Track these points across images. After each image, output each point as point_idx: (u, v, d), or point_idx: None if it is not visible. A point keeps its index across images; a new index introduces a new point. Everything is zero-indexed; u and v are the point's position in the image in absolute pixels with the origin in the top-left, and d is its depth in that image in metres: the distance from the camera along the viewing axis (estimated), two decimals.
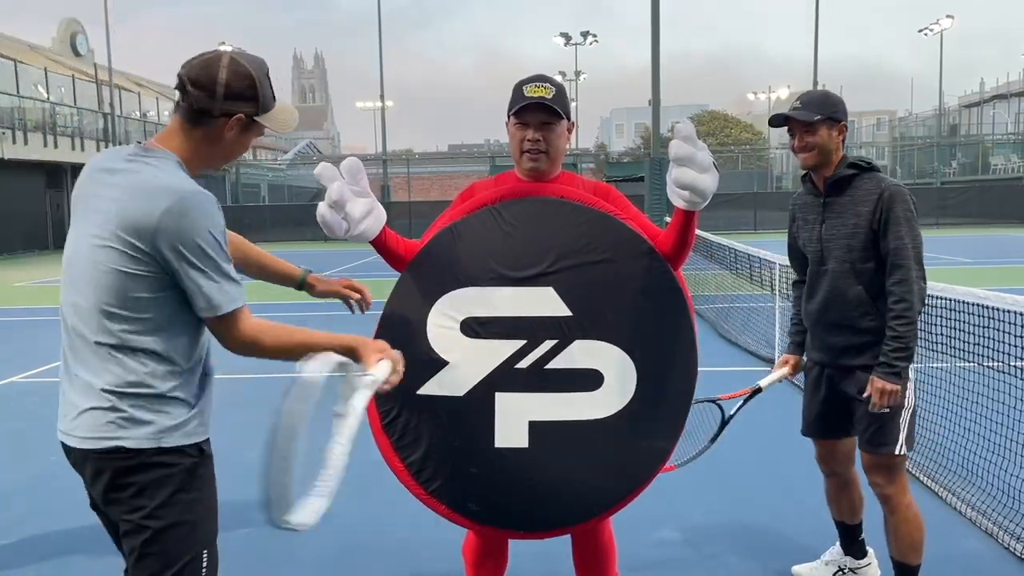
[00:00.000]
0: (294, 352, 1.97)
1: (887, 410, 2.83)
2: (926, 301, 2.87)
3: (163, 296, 1.87)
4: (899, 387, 2.78)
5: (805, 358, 3.24)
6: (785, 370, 3.31)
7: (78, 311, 1.88)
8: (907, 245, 2.79)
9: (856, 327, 2.92)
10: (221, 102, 1.89)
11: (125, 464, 1.87)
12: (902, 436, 2.89)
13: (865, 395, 2.84)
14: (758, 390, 3.20)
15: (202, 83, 1.88)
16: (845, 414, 3.05)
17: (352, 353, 2.00)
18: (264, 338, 1.94)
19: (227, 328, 1.90)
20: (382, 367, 2.01)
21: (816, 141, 2.91)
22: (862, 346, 2.91)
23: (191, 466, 1.94)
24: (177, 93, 1.93)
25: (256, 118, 1.95)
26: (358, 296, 2.51)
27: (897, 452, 2.89)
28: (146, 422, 1.87)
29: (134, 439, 1.87)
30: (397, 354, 2.06)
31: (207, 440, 2.02)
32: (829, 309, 2.98)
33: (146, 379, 1.87)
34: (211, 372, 2.05)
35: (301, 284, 2.47)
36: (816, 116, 2.89)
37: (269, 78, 1.99)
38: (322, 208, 2.37)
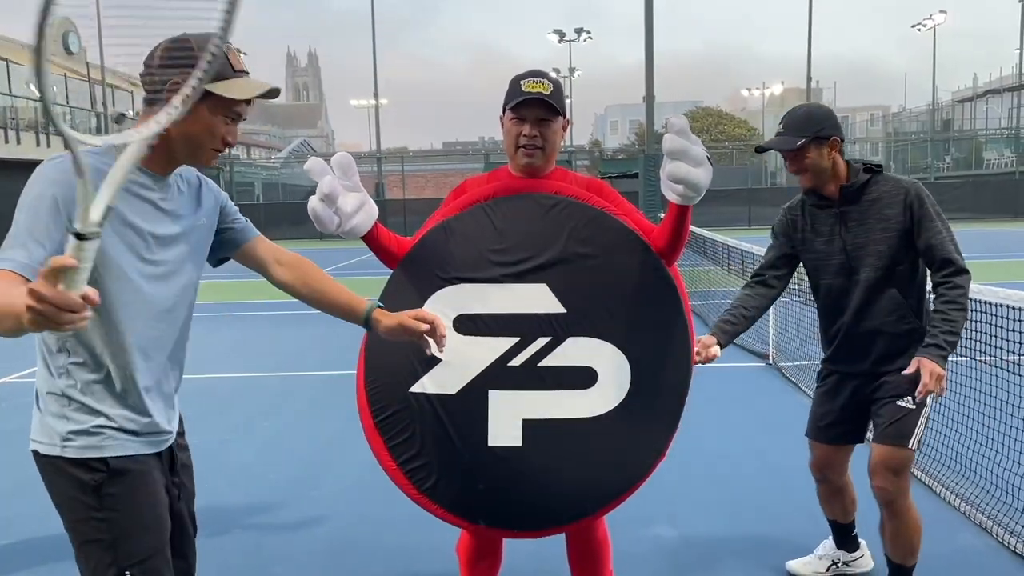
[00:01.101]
0: None
1: (909, 401, 2.79)
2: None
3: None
4: (946, 373, 2.72)
5: (821, 364, 3.18)
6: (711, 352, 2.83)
7: None
8: (945, 237, 2.79)
9: (895, 332, 2.88)
10: (159, 73, 1.77)
11: (41, 469, 1.83)
12: (919, 431, 2.85)
13: (910, 370, 2.70)
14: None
15: (145, 62, 1.80)
16: (860, 421, 3.04)
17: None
18: None
19: None
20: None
21: (807, 164, 2.85)
22: (900, 350, 2.87)
23: (95, 482, 1.80)
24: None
25: (206, 87, 1.71)
26: (427, 328, 2.15)
27: (911, 446, 2.84)
28: (48, 427, 1.80)
29: (44, 444, 1.81)
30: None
31: (127, 457, 1.85)
32: (866, 318, 2.91)
33: (46, 379, 1.80)
34: (142, 377, 1.87)
35: (367, 321, 2.18)
36: (800, 141, 2.82)
37: (221, 48, 1.86)
38: (313, 202, 2.35)
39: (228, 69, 1.81)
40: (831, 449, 3.14)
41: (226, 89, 1.79)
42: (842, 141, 2.90)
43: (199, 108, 1.73)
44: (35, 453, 1.84)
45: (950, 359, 2.80)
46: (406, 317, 2.13)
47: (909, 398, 2.82)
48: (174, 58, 1.74)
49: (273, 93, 1.86)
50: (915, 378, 2.72)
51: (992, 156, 42.69)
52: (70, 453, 1.79)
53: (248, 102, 1.85)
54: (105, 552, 1.81)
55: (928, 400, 2.85)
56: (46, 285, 1.24)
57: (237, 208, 2.14)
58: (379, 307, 2.19)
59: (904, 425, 2.84)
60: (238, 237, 2.13)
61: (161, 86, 1.74)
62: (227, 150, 1.93)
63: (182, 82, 1.51)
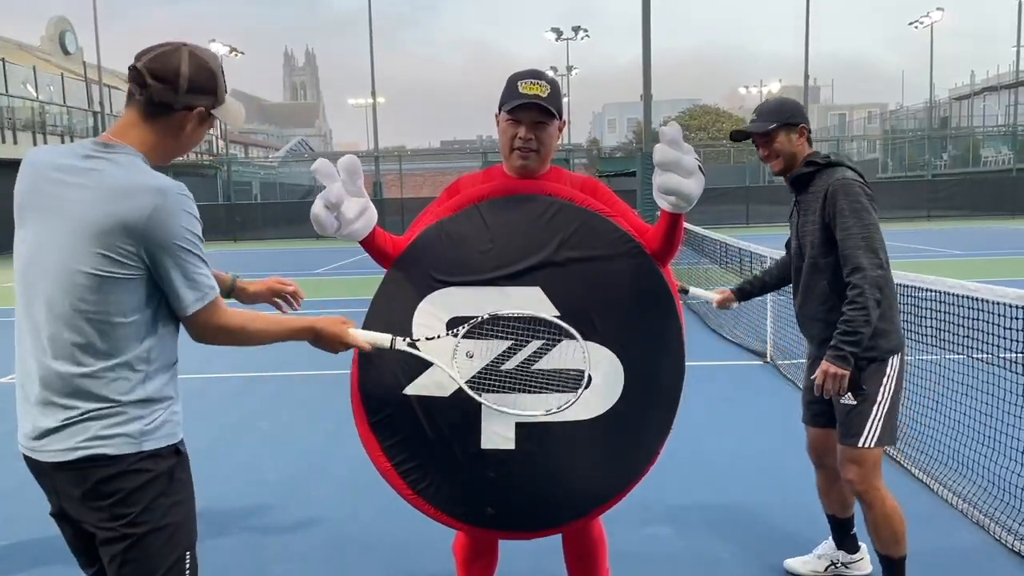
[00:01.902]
0: (276, 336, 2.03)
1: (848, 399, 2.88)
2: (885, 289, 2.85)
3: (146, 298, 1.84)
4: (845, 372, 2.80)
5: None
6: (715, 295, 3.51)
7: (50, 320, 1.82)
8: (855, 235, 2.82)
9: (825, 320, 2.97)
10: (184, 95, 1.86)
11: (106, 472, 1.83)
12: (870, 430, 2.89)
13: (812, 377, 2.88)
14: (685, 291, 3.29)
15: (164, 76, 1.84)
16: (832, 405, 3.06)
17: (314, 332, 2.14)
18: (249, 324, 1.97)
19: (210, 317, 1.89)
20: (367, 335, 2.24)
21: (776, 148, 3.02)
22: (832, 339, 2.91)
23: (169, 469, 1.91)
24: (131, 84, 1.89)
25: (212, 111, 1.94)
26: (290, 289, 2.48)
27: (861, 445, 2.89)
28: (125, 427, 1.84)
29: (114, 446, 1.83)
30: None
31: (182, 441, 1.98)
32: (805, 303, 3.08)
33: (124, 384, 1.84)
34: (177, 372, 2.03)
35: (230, 291, 2.40)
36: (771, 125, 3.00)
37: (223, 70, 1.98)
38: (317, 207, 2.33)
39: (224, 92, 1.97)
40: (821, 432, 3.19)
41: (226, 115, 2.01)
42: (809, 131, 3.07)
43: (204, 126, 1.96)
44: (100, 456, 1.83)
45: (948, 356, 2.81)
46: (269, 284, 2.45)
47: (849, 394, 2.89)
48: (201, 86, 1.90)
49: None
50: (853, 376, 2.85)
51: (989, 154, 42.69)
52: (149, 447, 1.87)
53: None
54: (171, 538, 1.90)
55: (883, 395, 2.90)
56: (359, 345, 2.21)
57: None
58: (238, 278, 2.42)
59: (851, 422, 2.92)
60: None
61: (182, 107, 1.89)
62: (218, 137, 2.10)
63: (206, 109, 1.92)
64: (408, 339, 2.29)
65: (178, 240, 1.81)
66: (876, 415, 2.89)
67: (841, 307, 2.87)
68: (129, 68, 1.89)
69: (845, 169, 2.95)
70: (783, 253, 3.43)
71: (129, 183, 1.80)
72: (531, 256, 2.43)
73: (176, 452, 1.94)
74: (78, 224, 1.79)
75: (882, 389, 2.90)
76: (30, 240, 1.87)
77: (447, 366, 2.32)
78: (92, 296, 1.80)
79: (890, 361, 2.91)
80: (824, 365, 2.83)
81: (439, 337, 2.35)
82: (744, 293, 3.53)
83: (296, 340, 2.12)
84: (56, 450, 1.84)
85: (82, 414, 1.83)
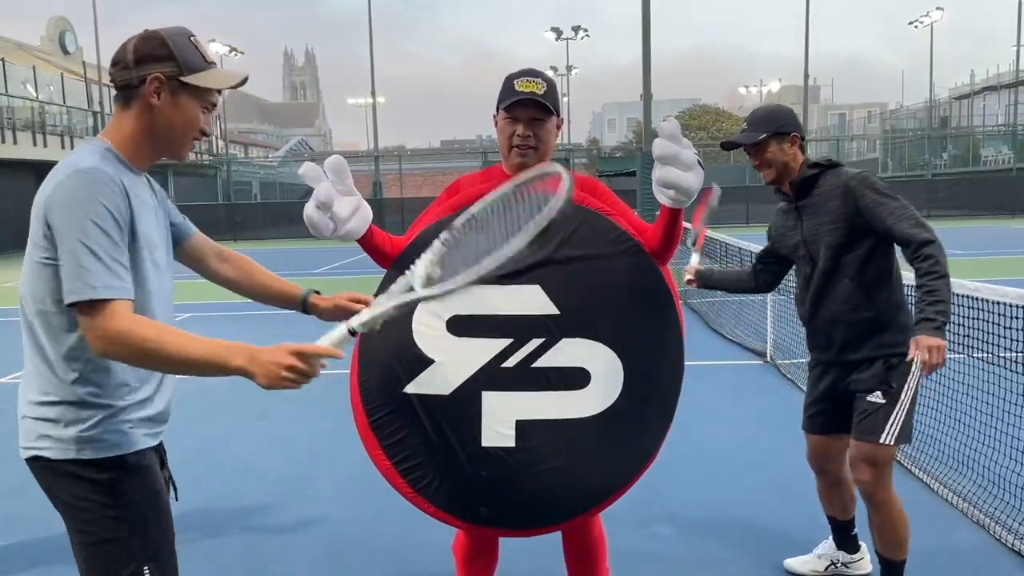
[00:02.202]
0: (183, 362, 1.69)
1: (877, 396, 2.85)
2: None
3: None
4: (944, 342, 2.67)
5: (808, 356, 3.25)
6: (691, 269, 3.54)
7: (21, 313, 1.85)
8: (901, 215, 2.78)
9: (850, 321, 2.93)
10: (134, 69, 1.81)
11: (47, 475, 1.83)
12: (892, 427, 2.87)
13: (910, 357, 2.71)
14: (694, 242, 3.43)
15: (116, 59, 1.84)
16: (844, 411, 3.05)
17: (244, 372, 1.68)
18: (135, 337, 1.66)
19: (95, 320, 1.67)
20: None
21: (768, 158, 3.00)
22: (859, 338, 2.91)
23: (110, 481, 1.82)
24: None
25: (184, 79, 1.83)
26: (362, 308, 2.23)
27: (882, 441, 2.87)
28: (61, 431, 1.80)
29: (53, 449, 1.80)
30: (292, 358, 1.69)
31: (139, 452, 1.88)
32: (821, 307, 3.01)
33: (61, 385, 1.80)
34: (155, 377, 1.92)
35: (304, 305, 2.25)
36: (761, 135, 2.97)
37: (192, 42, 1.87)
38: (309, 209, 2.34)
39: (200, 61, 1.87)
40: (823, 440, 3.17)
41: (205, 80, 1.86)
42: (803, 139, 3.04)
43: (181, 99, 1.84)
44: (37, 459, 1.83)
45: (949, 356, 2.79)
46: (341, 299, 2.20)
47: (878, 392, 2.86)
48: (148, 54, 1.82)
49: (243, 81, 1.94)
50: (882, 374, 2.83)
51: (989, 153, 42.73)
52: (86, 455, 1.80)
53: (220, 92, 1.93)
54: (120, 550, 1.82)
55: (906, 392, 2.87)
56: (310, 366, 1.67)
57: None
58: (315, 292, 2.26)
59: (874, 420, 2.89)
60: (181, 232, 2.13)
61: (139, 82, 1.81)
62: (217, 137, 2.00)
63: (164, 75, 1.78)
64: (358, 320, 1.82)
65: (72, 224, 1.68)
66: (898, 412, 2.87)
67: (865, 305, 2.86)
68: None
69: (847, 168, 2.96)
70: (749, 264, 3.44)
71: (58, 167, 1.78)
72: (531, 254, 2.43)
73: (121, 464, 1.83)
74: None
75: (907, 386, 2.88)
76: None
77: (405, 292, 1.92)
78: (29, 286, 1.79)
79: (915, 361, 2.89)
80: (926, 340, 2.63)
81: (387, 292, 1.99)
82: (707, 279, 3.58)
83: (217, 374, 1.71)
84: (21, 445, 1.86)
85: (29, 409, 1.84)
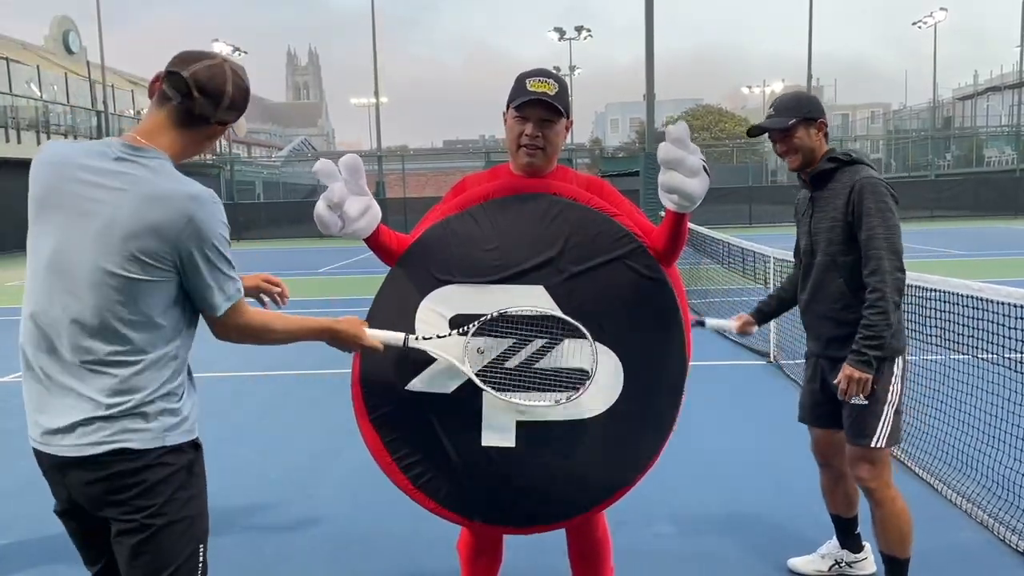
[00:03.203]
0: (297, 335, 2.13)
1: (860, 400, 2.85)
2: (904, 291, 2.88)
3: (174, 300, 1.90)
4: (868, 376, 2.78)
5: (805, 349, 3.26)
6: (733, 324, 3.40)
7: (76, 320, 1.84)
8: (879, 235, 2.80)
9: (838, 319, 2.95)
10: (222, 112, 1.95)
11: (130, 465, 1.87)
12: (881, 429, 2.89)
13: (835, 382, 2.86)
14: (701, 323, 3.27)
15: (211, 92, 1.91)
16: (837, 405, 3.06)
17: (333, 333, 2.24)
18: (271, 324, 2.06)
19: (236, 318, 1.97)
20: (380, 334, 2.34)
21: (796, 144, 2.97)
22: (845, 338, 2.91)
23: (189, 463, 1.97)
24: (168, 89, 1.90)
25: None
26: (278, 290, 2.47)
27: (873, 445, 2.89)
28: (150, 423, 1.89)
29: (140, 440, 1.87)
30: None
31: (199, 436, 2.04)
32: (815, 300, 3.04)
33: (150, 382, 1.88)
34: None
35: None
36: (791, 120, 2.95)
37: None
38: (320, 207, 2.35)
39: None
40: (825, 432, 3.18)
41: (237, 124, 2.18)
42: (826, 125, 3.03)
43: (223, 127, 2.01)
44: (122, 452, 1.86)
45: (953, 356, 2.81)
46: (256, 280, 2.43)
47: (860, 395, 2.86)
48: (238, 107, 1.98)
49: None
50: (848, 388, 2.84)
51: (993, 154, 42.67)
52: (171, 441, 1.92)
53: None
54: (188, 530, 1.95)
55: (890, 395, 2.89)
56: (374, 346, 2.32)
57: None
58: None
59: (861, 422, 2.91)
60: None
61: (216, 122, 1.96)
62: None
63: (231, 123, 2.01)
64: (421, 336, 2.35)
65: (209, 247, 1.87)
66: (886, 415, 2.89)
67: (855, 306, 2.86)
68: (169, 73, 1.90)
69: (867, 167, 2.94)
70: (790, 258, 3.40)
71: (164, 189, 1.85)
72: (535, 255, 2.43)
73: (195, 447, 2.01)
74: (110, 226, 1.82)
75: (891, 388, 2.90)
76: (54, 238, 1.88)
77: (460, 363, 2.37)
78: (120, 297, 1.83)
79: (897, 361, 2.91)
80: (847, 370, 2.80)
81: (450, 335, 2.38)
82: (763, 315, 3.42)
83: (315, 340, 2.21)
84: (78, 444, 1.85)
85: (107, 409, 1.85)
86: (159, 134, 1.92)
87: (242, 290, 1.99)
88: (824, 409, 3.13)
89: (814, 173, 3.00)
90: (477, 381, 2.37)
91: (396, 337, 2.33)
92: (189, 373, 2.03)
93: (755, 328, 3.40)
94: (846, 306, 2.92)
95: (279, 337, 2.09)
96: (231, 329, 1.99)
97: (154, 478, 1.89)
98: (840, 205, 2.90)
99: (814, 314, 3.07)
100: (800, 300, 3.17)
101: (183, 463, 1.95)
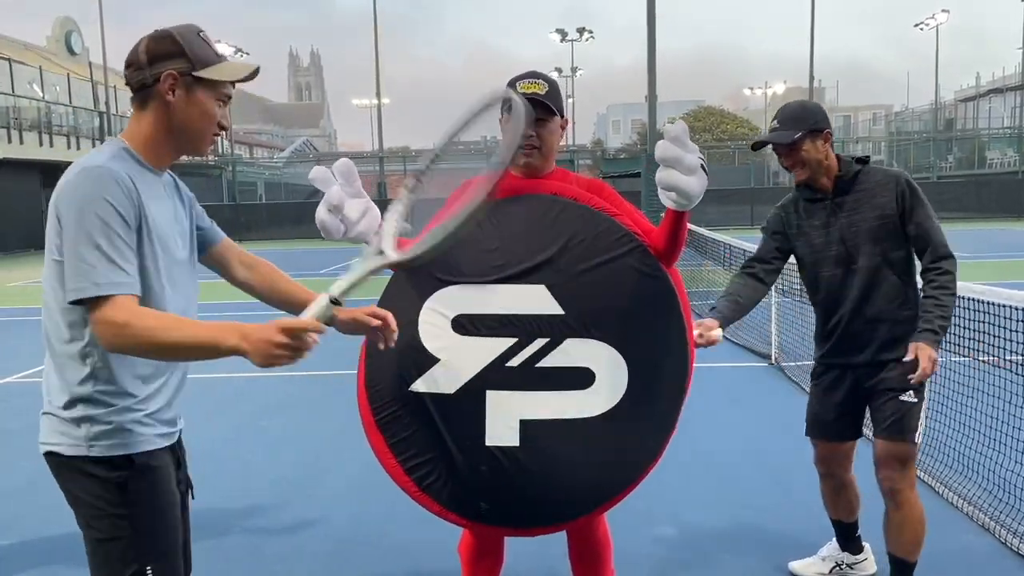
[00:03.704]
0: (170, 351, 1.75)
1: (910, 395, 2.83)
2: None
3: None
4: (937, 357, 2.73)
5: (815, 363, 3.19)
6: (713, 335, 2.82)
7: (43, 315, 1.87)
8: (935, 225, 2.85)
9: (895, 318, 2.91)
10: (148, 69, 1.84)
11: (59, 470, 1.85)
12: (920, 425, 2.90)
13: (909, 357, 2.70)
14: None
15: (129, 61, 1.87)
16: (859, 415, 3.05)
17: (238, 352, 1.74)
18: (137, 327, 1.68)
19: (96, 315, 1.69)
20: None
21: (803, 157, 2.92)
22: (902, 337, 2.86)
23: (120, 479, 1.83)
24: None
25: (197, 73, 1.85)
26: (382, 324, 2.12)
27: (916, 440, 2.89)
28: (73, 427, 1.82)
29: (66, 444, 1.83)
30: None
31: (149, 453, 1.89)
32: (867, 304, 2.92)
33: (72, 382, 1.81)
34: (163, 374, 1.93)
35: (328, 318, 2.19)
36: (796, 134, 2.89)
37: (202, 37, 1.90)
38: (321, 213, 2.36)
39: (211, 55, 1.90)
40: (833, 445, 3.16)
41: (219, 73, 1.88)
42: (832, 135, 2.98)
43: (196, 93, 1.86)
44: (51, 455, 1.85)
45: (953, 359, 2.81)
46: (360, 313, 2.14)
47: (911, 392, 2.84)
48: (160, 52, 1.84)
49: (255, 73, 1.95)
50: (913, 370, 2.72)
51: (995, 156, 42.60)
52: (96, 452, 1.82)
53: (233, 84, 1.94)
54: (125, 550, 1.83)
55: (925, 392, 2.89)
56: (300, 340, 1.69)
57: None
58: (336, 304, 2.16)
59: (908, 419, 2.88)
60: (208, 238, 2.14)
61: (153, 80, 1.84)
62: (223, 137, 2.02)
63: (178, 72, 1.80)
64: (336, 290, 1.86)
65: (76, 221, 1.70)
66: (923, 409, 2.90)
67: (908, 303, 2.89)
68: None
69: (881, 166, 2.98)
70: (792, 260, 3.17)
71: (72, 165, 1.80)
72: (536, 254, 2.44)
73: (129, 462, 1.84)
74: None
75: (926, 385, 2.90)
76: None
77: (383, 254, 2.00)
78: (48, 282, 1.81)
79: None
80: (927, 351, 2.68)
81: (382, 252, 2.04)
82: (727, 320, 3.03)
83: (214, 356, 1.78)
84: (40, 440, 1.88)
85: (45, 405, 1.86)
86: (129, 129, 1.92)
87: (121, 286, 1.70)
88: (845, 423, 3.08)
89: (847, 178, 2.94)
90: (394, 256, 1.97)
91: (320, 303, 1.82)
92: (138, 378, 1.86)
93: (720, 337, 2.86)
94: (903, 303, 2.90)
95: (164, 349, 1.72)
96: (95, 327, 1.71)
97: (78, 488, 1.82)
98: (885, 202, 2.86)
99: (865, 319, 2.93)
100: (831, 320, 3.01)
101: (112, 478, 1.81)
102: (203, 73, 1.85)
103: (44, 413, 1.87)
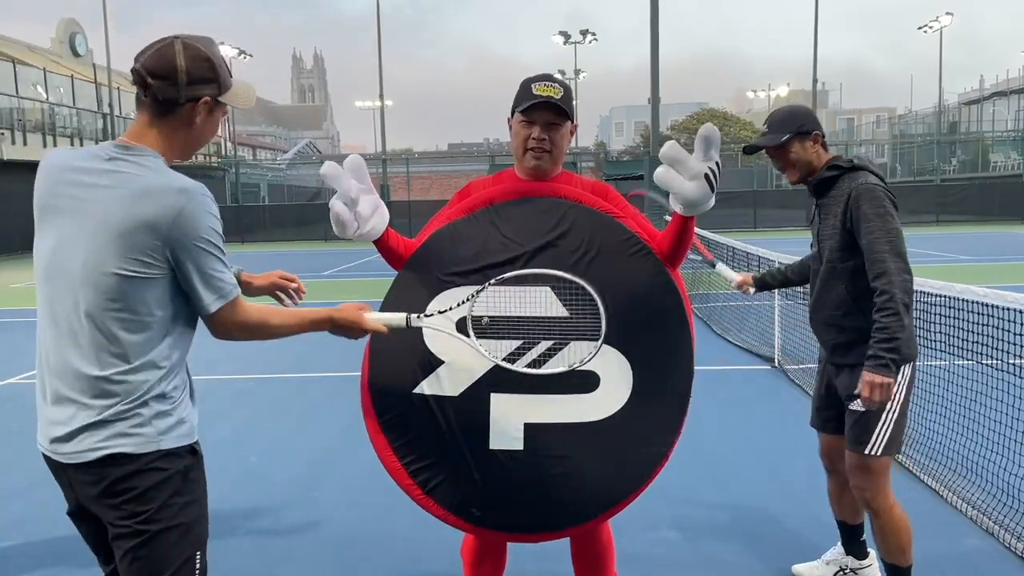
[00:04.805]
0: (296, 328, 2.08)
1: (858, 404, 2.83)
2: (913, 294, 2.85)
3: (169, 297, 1.88)
4: (890, 380, 2.72)
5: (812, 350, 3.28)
6: (736, 277, 3.60)
7: (74, 320, 1.85)
8: (880, 239, 2.77)
9: (840, 325, 2.95)
10: (185, 88, 1.88)
11: (124, 470, 1.86)
12: (878, 437, 2.86)
13: (856, 391, 2.81)
14: (712, 264, 3.48)
15: (162, 73, 1.86)
16: (842, 411, 3.05)
17: (332, 323, 2.17)
18: (269, 319, 2.01)
19: (230, 315, 1.93)
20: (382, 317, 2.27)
21: (792, 159, 2.99)
22: (848, 344, 2.92)
23: (185, 468, 1.94)
24: (136, 87, 1.91)
25: (219, 98, 1.96)
26: (293, 285, 2.49)
27: (868, 452, 2.87)
28: (144, 427, 1.87)
29: (133, 444, 1.86)
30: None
31: (197, 441, 2.01)
32: (819, 306, 3.05)
33: (145, 383, 1.86)
34: (183, 364, 2.04)
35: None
36: (784, 137, 2.96)
37: (224, 58, 1.99)
38: (337, 206, 2.34)
39: (228, 76, 1.98)
40: (833, 438, 3.17)
41: (235, 99, 2.01)
42: (823, 136, 3.03)
43: (215, 115, 1.97)
44: (114, 457, 1.85)
45: (957, 362, 2.79)
46: (274, 278, 2.46)
47: (858, 401, 2.84)
48: (200, 77, 1.91)
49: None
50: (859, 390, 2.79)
51: (999, 158, 42.51)
52: (166, 446, 1.90)
53: None
54: (183, 537, 1.92)
55: (893, 403, 2.85)
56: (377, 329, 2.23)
57: None
58: (242, 271, 2.41)
59: (861, 429, 2.89)
60: None
61: (186, 101, 1.90)
62: (225, 139, 2.11)
63: (212, 98, 1.92)
64: (422, 315, 2.30)
65: (199, 241, 1.84)
66: (885, 423, 2.87)
67: (855, 314, 2.86)
68: (131, 71, 1.91)
69: (868, 174, 2.91)
70: (801, 256, 3.40)
71: (152, 184, 1.83)
72: (542, 237, 2.44)
73: (191, 452, 1.97)
74: (102, 225, 1.81)
75: (895, 396, 2.85)
76: (51, 241, 1.89)
77: (464, 337, 2.35)
78: (116, 295, 1.82)
79: (904, 369, 2.87)
80: (867, 376, 2.72)
81: (451, 309, 2.34)
82: (763, 283, 3.54)
83: (316, 331, 2.17)
84: (76, 451, 1.86)
85: (100, 412, 1.85)
86: (144, 134, 1.92)
87: (237, 287, 1.95)
88: (830, 414, 3.14)
89: (815, 182, 3.01)
90: (482, 351, 2.33)
91: (398, 318, 2.24)
92: (189, 375, 2.01)
93: (752, 290, 3.54)
94: (847, 313, 2.92)
95: (278, 331, 2.04)
96: (228, 326, 1.95)
97: (147, 483, 1.87)
98: (838, 212, 2.89)
99: (818, 320, 3.08)
100: (809, 307, 3.17)
101: (179, 468, 1.92)
102: (225, 99, 1.97)
103: (94, 422, 1.85)
